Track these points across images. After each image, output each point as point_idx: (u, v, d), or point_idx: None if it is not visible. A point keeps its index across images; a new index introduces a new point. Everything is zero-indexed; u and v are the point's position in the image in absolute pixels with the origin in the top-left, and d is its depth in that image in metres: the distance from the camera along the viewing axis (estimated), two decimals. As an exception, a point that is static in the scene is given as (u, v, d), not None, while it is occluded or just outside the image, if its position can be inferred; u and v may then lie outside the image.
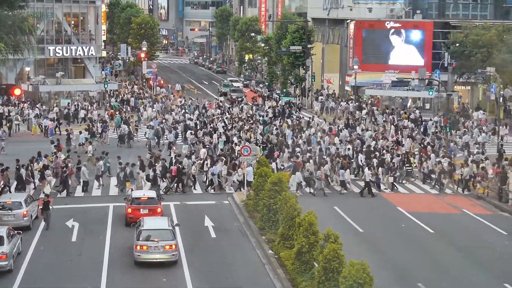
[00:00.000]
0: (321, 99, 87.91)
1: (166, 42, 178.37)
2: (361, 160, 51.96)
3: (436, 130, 66.35)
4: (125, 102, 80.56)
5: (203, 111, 75.08)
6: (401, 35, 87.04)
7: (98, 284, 30.38)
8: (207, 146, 56.01)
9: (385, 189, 49.18)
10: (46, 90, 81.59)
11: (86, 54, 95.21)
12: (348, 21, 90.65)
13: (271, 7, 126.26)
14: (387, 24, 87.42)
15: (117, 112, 71.65)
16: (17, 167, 45.31)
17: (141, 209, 38.76)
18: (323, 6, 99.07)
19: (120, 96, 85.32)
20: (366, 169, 48.30)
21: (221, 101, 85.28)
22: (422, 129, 67.74)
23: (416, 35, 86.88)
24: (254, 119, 69.64)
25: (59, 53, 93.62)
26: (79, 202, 44.34)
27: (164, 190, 46.76)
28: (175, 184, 47.44)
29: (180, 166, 48.08)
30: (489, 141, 62.94)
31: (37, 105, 74.76)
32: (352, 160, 52.67)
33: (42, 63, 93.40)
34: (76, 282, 30.90)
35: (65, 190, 45.86)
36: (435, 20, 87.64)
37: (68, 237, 37.29)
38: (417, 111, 76.06)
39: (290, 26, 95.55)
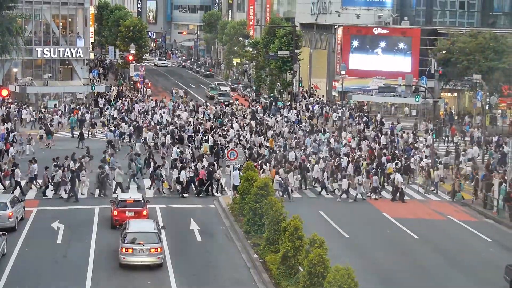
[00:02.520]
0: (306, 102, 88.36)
1: (154, 45, 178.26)
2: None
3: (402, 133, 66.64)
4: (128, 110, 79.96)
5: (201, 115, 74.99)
6: (389, 41, 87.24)
7: (83, 287, 30.30)
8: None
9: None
10: (33, 91, 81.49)
11: (73, 56, 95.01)
12: (336, 26, 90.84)
13: (259, 12, 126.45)
14: (375, 30, 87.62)
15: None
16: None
17: (127, 212, 38.75)
18: (311, 12, 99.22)
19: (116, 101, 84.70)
20: (397, 175, 48.66)
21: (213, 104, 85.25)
22: (388, 133, 68.09)
23: (403, 41, 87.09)
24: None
25: (46, 55, 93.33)
26: (65, 204, 44.20)
27: (196, 193, 47.11)
28: (207, 187, 47.60)
29: (211, 169, 48.56)
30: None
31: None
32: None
33: (30, 65, 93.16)
34: (61, 284, 30.80)
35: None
36: (423, 27, 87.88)
37: (53, 239, 37.20)
38: (379, 115, 76.36)
39: (278, 31, 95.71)
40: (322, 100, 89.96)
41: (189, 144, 59.75)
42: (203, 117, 74.05)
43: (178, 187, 47.87)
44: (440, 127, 70.93)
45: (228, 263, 34.36)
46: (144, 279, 29.50)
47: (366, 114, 77.84)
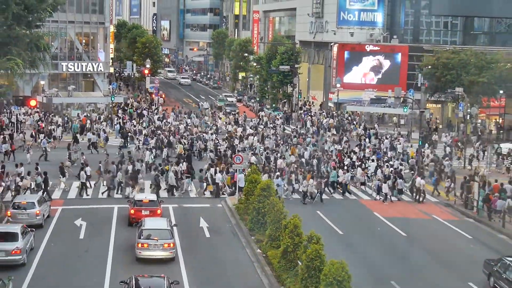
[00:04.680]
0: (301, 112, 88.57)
1: (168, 60, 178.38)
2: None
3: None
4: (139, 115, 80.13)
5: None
6: (380, 58, 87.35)
7: (103, 278, 30.37)
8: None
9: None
10: (58, 102, 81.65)
11: (95, 70, 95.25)
12: (332, 44, 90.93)
13: (263, 30, 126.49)
14: (367, 47, 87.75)
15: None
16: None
17: (142, 211, 38.79)
18: (309, 30, 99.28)
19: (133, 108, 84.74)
20: (418, 179, 48.70)
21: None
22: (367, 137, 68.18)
23: (393, 57, 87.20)
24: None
25: (71, 69, 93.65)
26: (87, 203, 44.30)
27: (228, 195, 47.14)
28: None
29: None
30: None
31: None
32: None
33: (56, 78, 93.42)
34: (83, 275, 30.90)
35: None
36: (410, 44, 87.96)
37: (76, 235, 37.30)
38: (363, 123, 76.56)
39: (279, 48, 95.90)
40: (317, 110, 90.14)
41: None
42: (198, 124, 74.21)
43: (214, 188, 47.92)
44: (426, 135, 70.87)
45: (234, 257, 34.37)
46: (158, 271, 29.51)
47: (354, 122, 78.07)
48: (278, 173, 49.05)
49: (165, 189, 47.67)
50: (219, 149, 58.11)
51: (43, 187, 45.01)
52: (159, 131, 65.89)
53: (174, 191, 47.61)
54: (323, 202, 46.52)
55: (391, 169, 52.17)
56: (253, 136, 65.16)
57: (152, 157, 53.98)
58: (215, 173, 48.62)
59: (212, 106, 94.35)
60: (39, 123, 70.38)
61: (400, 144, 64.44)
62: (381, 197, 48.34)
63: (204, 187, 48.24)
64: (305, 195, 46.37)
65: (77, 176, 47.53)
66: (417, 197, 48.52)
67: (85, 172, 46.71)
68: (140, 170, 48.31)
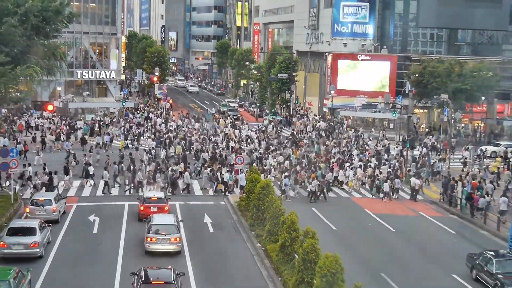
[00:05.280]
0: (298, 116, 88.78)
1: (175, 68, 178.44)
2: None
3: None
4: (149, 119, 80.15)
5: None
6: (371, 66, 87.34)
7: (114, 269, 30.39)
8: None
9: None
10: (74, 106, 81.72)
11: (107, 77, 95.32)
12: (326, 53, 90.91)
13: (263, 41, 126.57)
14: (359, 57, 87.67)
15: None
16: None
17: (151, 207, 38.82)
18: (306, 41, 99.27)
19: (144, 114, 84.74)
20: (413, 179, 48.89)
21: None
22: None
23: (383, 66, 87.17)
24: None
25: (85, 76, 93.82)
26: (100, 200, 44.31)
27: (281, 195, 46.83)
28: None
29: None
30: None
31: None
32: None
33: (71, 84, 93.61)
34: (96, 267, 30.92)
35: None
36: (399, 54, 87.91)
37: (90, 230, 37.38)
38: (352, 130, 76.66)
39: (278, 57, 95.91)
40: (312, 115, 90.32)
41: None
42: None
43: (222, 187, 47.91)
44: (413, 138, 70.83)
45: (235, 251, 34.41)
46: (165, 263, 29.52)
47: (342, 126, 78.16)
48: (286, 174, 49.24)
49: (183, 189, 47.63)
50: (216, 151, 57.79)
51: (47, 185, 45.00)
52: (163, 133, 66.03)
53: (189, 189, 47.69)
54: (326, 200, 46.63)
55: (389, 170, 52.36)
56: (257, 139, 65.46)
57: (147, 158, 53.78)
58: (211, 172, 48.76)
59: (217, 111, 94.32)
60: (61, 126, 70.50)
61: (385, 146, 64.60)
62: (381, 195, 48.47)
63: (215, 185, 48.25)
64: (315, 193, 46.47)
65: (82, 176, 47.81)
66: (413, 196, 48.49)
67: (108, 172, 47.12)
68: (139, 169, 48.37)
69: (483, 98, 77.19)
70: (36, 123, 72.83)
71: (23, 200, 42.46)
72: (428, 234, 39.96)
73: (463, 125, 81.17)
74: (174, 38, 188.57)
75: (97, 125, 71.63)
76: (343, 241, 36.83)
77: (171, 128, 71.87)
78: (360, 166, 53.26)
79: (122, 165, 49.17)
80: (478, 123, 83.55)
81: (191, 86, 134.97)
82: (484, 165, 57.77)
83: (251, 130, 73.20)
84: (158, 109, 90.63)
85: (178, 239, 32.97)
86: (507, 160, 61.03)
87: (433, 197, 49.39)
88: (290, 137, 69.13)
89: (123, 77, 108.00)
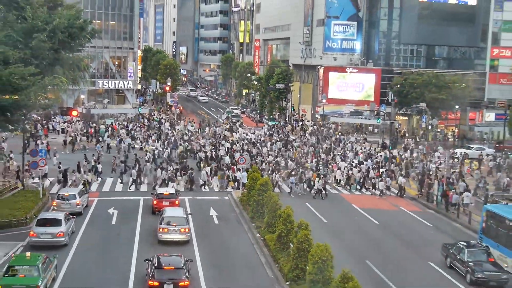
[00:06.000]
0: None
1: (185, 79, 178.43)
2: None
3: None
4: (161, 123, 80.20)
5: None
6: (358, 78, 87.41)
7: (131, 256, 30.44)
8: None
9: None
10: (96, 112, 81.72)
11: (125, 86, 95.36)
12: (319, 66, 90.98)
13: (263, 55, 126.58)
14: (348, 69, 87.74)
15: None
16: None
17: (163, 202, 38.83)
18: (301, 56, 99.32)
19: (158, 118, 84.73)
20: (400, 178, 48.90)
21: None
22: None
23: (368, 78, 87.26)
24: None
25: (106, 85, 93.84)
26: (118, 195, 44.35)
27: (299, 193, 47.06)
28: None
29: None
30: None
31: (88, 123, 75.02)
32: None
33: (93, 92, 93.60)
34: (115, 253, 30.98)
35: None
36: (383, 67, 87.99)
37: (109, 221, 37.42)
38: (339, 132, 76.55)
39: (276, 70, 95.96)
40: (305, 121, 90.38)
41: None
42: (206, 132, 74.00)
43: (234, 184, 47.96)
44: (395, 141, 70.92)
45: (238, 240, 34.44)
46: (175, 251, 29.57)
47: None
48: (293, 172, 49.46)
49: (201, 185, 47.57)
50: (213, 152, 57.33)
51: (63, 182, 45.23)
52: (169, 135, 66.18)
53: (206, 185, 47.73)
54: (327, 196, 46.59)
55: (383, 170, 52.46)
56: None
57: (150, 156, 53.66)
58: (211, 172, 48.98)
59: (228, 118, 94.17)
60: (89, 129, 70.59)
61: (363, 148, 64.82)
62: (375, 193, 48.56)
63: (226, 183, 48.24)
64: (320, 191, 46.45)
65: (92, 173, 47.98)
66: (400, 193, 48.54)
67: (136, 171, 47.36)
68: (164, 168, 48.43)
69: (457, 106, 77.38)
70: (62, 127, 72.82)
71: (50, 195, 42.51)
72: (407, 226, 40.02)
73: (439, 130, 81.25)
74: (184, 52, 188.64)
75: (110, 128, 71.56)
76: (333, 232, 36.86)
77: (178, 131, 71.87)
78: (355, 166, 53.31)
79: (149, 164, 49.22)
80: (452, 129, 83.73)
81: (201, 96, 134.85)
82: (457, 166, 57.86)
83: (253, 133, 73.22)
84: (169, 115, 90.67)
85: (187, 229, 33.02)
86: (480, 161, 61.12)
87: (412, 194, 49.46)
88: (285, 140, 69.07)
89: (139, 86, 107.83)
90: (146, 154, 54.63)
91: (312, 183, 47.64)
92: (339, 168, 52.81)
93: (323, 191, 46.47)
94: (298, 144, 65.26)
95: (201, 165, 52.56)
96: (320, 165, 53.55)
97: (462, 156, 63.20)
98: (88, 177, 46.41)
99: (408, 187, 50.87)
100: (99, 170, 48.60)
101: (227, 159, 53.75)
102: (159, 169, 48.14)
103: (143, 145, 63.50)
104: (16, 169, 47.09)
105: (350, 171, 51.52)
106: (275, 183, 46.81)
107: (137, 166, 48.24)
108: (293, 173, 49.54)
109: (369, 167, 53.21)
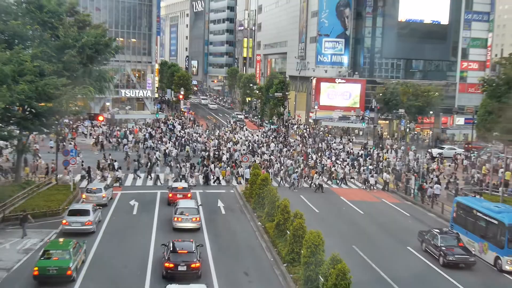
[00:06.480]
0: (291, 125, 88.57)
1: (196, 89, 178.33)
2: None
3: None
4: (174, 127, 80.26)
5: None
6: (346, 87, 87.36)
7: (149, 242, 30.49)
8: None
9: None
10: (119, 117, 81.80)
11: (145, 95, 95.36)
12: (311, 78, 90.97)
13: (263, 68, 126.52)
14: (337, 80, 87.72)
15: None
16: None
17: (177, 194, 38.90)
18: (296, 68, 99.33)
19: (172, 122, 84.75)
20: (385, 174, 48.58)
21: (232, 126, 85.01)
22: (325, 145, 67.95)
23: (355, 87, 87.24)
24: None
25: (128, 94, 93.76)
26: (139, 189, 44.39)
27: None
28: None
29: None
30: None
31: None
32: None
33: (117, 100, 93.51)
34: (136, 238, 31.03)
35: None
36: (367, 78, 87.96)
37: (131, 211, 37.46)
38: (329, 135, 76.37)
39: (274, 80, 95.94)
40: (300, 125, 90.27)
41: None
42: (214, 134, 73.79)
43: (241, 179, 47.80)
44: (378, 142, 70.88)
45: (242, 228, 34.47)
46: (188, 237, 29.62)
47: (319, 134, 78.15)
48: (296, 170, 49.47)
49: (214, 180, 47.52)
50: (216, 152, 57.13)
51: (87, 178, 45.24)
52: (180, 137, 66.31)
53: (220, 181, 47.70)
54: (323, 191, 46.31)
55: (371, 166, 52.33)
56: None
57: (159, 155, 53.47)
58: (213, 167, 48.95)
59: (236, 122, 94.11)
60: (115, 132, 70.66)
61: (351, 149, 64.81)
62: (366, 187, 48.50)
63: (231, 178, 48.22)
64: (320, 186, 46.35)
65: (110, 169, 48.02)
66: (384, 187, 48.46)
67: (160, 168, 47.80)
68: (183, 166, 48.56)
69: (431, 112, 77.25)
70: (89, 131, 72.88)
71: (80, 189, 42.59)
72: (388, 216, 40.04)
73: (415, 132, 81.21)
74: (196, 65, 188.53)
75: (128, 131, 71.53)
76: (324, 221, 36.88)
77: (188, 132, 71.90)
78: (349, 164, 53.29)
79: (173, 162, 49.24)
80: (427, 132, 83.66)
81: (211, 103, 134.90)
82: (430, 164, 57.87)
83: (257, 135, 73.17)
84: (182, 119, 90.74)
85: (198, 219, 33.03)
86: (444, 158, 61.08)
87: (392, 187, 49.36)
88: (281, 141, 69.08)
89: (156, 95, 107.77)
90: (155, 154, 54.55)
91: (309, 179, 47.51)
92: (314, 167, 52.50)
93: (322, 186, 46.46)
94: (298, 144, 64.96)
95: (205, 162, 52.19)
96: (318, 163, 53.44)
97: (439, 155, 63.16)
98: (119, 174, 46.20)
99: (391, 183, 50.88)
100: (116, 167, 48.49)
101: (224, 158, 53.65)
102: (167, 167, 48.23)
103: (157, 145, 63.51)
104: (45, 166, 47.17)
105: (333, 168, 51.57)
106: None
107: (148, 164, 48.30)
108: (296, 170, 49.34)
109: (348, 164, 53.26)
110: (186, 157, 54.80)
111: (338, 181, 49.52)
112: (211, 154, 55.37)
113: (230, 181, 48.17)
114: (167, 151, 56.88)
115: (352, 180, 51.36)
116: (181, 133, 72.05)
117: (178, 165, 48.93)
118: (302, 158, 56.17)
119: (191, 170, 47.99)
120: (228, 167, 49.68)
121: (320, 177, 46.91)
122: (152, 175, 47.90)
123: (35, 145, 55.31)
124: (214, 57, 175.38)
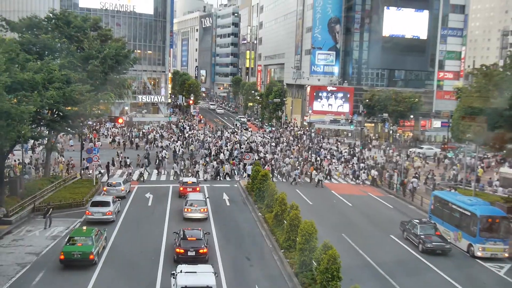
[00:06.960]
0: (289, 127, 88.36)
1: (204, 95, 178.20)
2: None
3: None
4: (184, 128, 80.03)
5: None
6: (336, 94, 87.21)
7: (162, 230, 30.41)
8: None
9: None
10: (136, 120, 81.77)
11: (159, 100, 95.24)
12: (306, 86, 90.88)
13: (264, 77, 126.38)
14: (328, 88, 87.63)
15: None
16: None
17: (187, 188, 38.80)
18: (292, 77, 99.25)
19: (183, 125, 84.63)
20: (373, 171, 48.32)
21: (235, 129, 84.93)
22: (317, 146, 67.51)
23: (344, 94, 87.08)
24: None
25: (144, 100, 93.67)
26: (153, 183, 44.27)
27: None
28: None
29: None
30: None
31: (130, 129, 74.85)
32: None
33: (135, 105, 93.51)
34: (151, 226, 30.95)
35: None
36: (355, 86, 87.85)
37: (146, 203, 37.36)
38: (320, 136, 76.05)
39: (274, 88, 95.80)
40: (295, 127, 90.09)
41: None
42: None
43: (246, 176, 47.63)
44: (365, 142, 70.70)
45: (244, 218, 34.36)
46: (197, 225, 29.55)
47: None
48: (297, 166, 49.35)
49: (224, 176, 47.18)
50: (217, 150, 56.75)
51: (106, 173, 45.20)
52: (187, 137, 66.31)
53: (227, 177, 47.35)
54: (323, 187, 46.02)
55: (362, 164, 52.05)
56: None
57: (165, 153, 53.12)
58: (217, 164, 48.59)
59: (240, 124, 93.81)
60: (139, 134, 70.50)
61: (337, 147, 64.57)
62: (359, 182, 48.27)
63: (242, 175, 48.04)
64: (320, 181, 46.17)
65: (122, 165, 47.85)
66: (372, 183, 48.25)
67: (177, 165, 47.23)
68: (197, 163, 48.48)
69: (411, 116, 77.09)
70: (109, 132, 72.81)
71: (101, 183, 42.50)
72: (374, 207, 39.90)
73: (398, 134, 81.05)
74: (204, 74, 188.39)
75: (140, 133, 71.28)
76: (316, 212, 36.76)
77: (195, 133, 71.75)
78: (342, 162, 53.07)
79: (185, 161, 48.91)
80: (408, 133, 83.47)
81: (218, 108, 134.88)
82: (410, 161, 57.70)
83: (260, 137, 73.01)
84: (192, 122, 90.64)
85: (205, 210, 32.94)
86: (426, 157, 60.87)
87: (377, 182, 49.15)
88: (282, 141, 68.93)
89: (169, 100, 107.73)
90: (162, 151, 54.20)
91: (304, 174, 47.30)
92: (312, 164, 52.27)
93: (322, 182, 46.27)
94: (296, 144, 64.79)
95: (207, 159, 51.78)
96: (317, 160, 53.19)
97: (421, 155, 62.98)
98: (142, 170, 45.84)
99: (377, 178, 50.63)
100: (128, 163, 48.34)
101: (221, 156, 53.42)
102: (174, 163, 48.14)
103: (169, 144, 63.35)
104: (66, 162, 47.06)
105: (328, 166, 51.37)
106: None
107: (157, 161, 48.18)
108: (297, 166, 48.98)
109: (334, 161, 53.14)
110: (190, 155, 54.67)
111: (325, 176, 49.11)
112: (213, 153, 55.16)
113: (233, 176, 47.98)
114: (176, 149, 56.78)
115: (345, 176, 51.09)
116: (188, 134, 71.93)
117: (183, 162, 48.72)
118: (302, 157, 55.91)
119: (204, 168, 47.72)
120: (228, 164, 49.42)
121: (320, 173, 46.68)
122: (161, 170, 47.71)
123: (58, 144, 55.28)
124: (220, 67, 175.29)
